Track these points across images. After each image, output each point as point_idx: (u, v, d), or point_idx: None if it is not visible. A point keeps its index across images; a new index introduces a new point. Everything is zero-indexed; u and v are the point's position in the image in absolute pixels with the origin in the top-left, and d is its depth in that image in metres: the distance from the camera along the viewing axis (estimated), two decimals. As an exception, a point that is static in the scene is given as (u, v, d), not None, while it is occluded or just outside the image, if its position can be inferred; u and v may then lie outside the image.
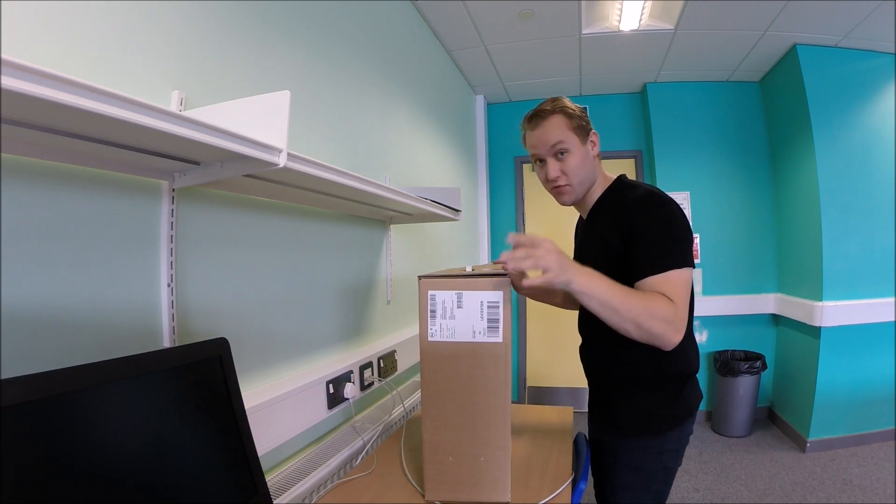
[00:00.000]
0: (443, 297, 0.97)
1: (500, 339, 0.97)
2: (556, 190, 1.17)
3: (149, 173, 0.85)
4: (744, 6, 2.51)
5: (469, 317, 0.97)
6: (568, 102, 1.15)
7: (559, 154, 1.12)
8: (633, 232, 1.03)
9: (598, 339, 1.18)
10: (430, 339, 0.98)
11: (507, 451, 0.98)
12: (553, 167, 1.13)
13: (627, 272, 1.02)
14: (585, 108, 1.18)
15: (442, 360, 0.98)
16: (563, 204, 1.20)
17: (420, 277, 0.99)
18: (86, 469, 0.55)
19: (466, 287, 0.97)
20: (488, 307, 0.96)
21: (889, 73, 2.92)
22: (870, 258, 2.89)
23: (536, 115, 1.15)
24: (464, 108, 3.45)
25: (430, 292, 0.97)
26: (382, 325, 1.85)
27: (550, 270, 0.89)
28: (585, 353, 1.28)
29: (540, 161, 1.17)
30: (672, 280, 0.97)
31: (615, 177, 1.21)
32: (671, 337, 0.94)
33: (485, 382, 0.97)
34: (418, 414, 1.66)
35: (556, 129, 1.12)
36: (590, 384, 1.29)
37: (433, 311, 0.98)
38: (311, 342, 1.37)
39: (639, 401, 1.13)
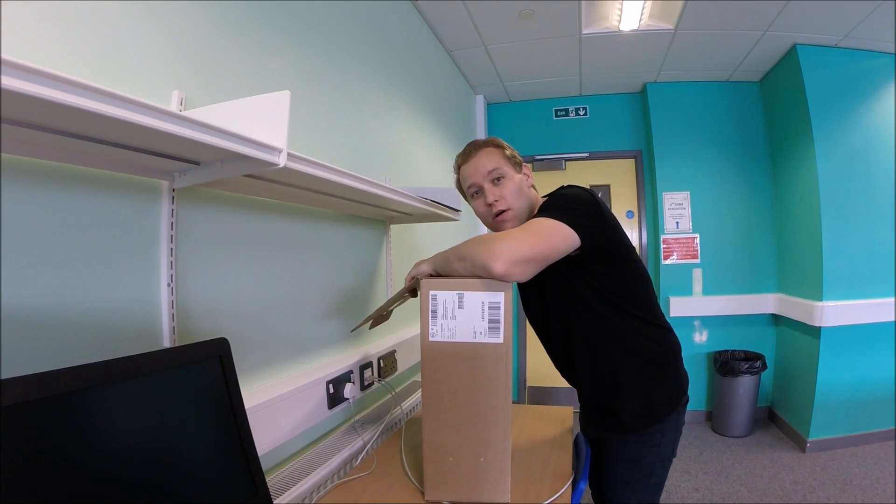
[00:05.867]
0: (444, 298, 0.97)
1: (500, 340, 0.97)
2: (497, 218, 1.16)
3: (149, 173, 0.85)
4: (744, 6, 2.51)
5: (470, 317, 0.97)
6: (500, 140, 1.21)
7: (495, 180, 1.15)
8: None
9: (570, 350, 1.20)
10: (430, 339, 0.98)
11: (507, 452, 0.98)
12: (491, 192, 1.15)
13: (581, 271, 1.08)
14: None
15: (443, 361, 0.98)
16: None
17: (421, 277, 0.98)
18: (86, 469, 0.55)
19: (468, 287, 0.97)
20: (489, 308, 0.96)
21: (889, 73, 2.92)
22: (870, 258, 2.89)
23: (469, 147, 1.20)
24: (464, 108, 3.44)
25: (431, 292, 0.97)
26: (382, 325, 1.84)
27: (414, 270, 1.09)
28: (563, 366, 1.27)
29: (476, 192, 1.19)
30: (535, 222, 0.99)
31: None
32: (488, 262, 0.91)
33: (485, 383, 0.97)
34: (418, 414, 1.66)
35: (490, 158, 1.16)
36: (579, 391, 1.28)
37: (434, 312, 0.98)
38: (311, 342, 1.37)
39: (631, 393, 1.13)
